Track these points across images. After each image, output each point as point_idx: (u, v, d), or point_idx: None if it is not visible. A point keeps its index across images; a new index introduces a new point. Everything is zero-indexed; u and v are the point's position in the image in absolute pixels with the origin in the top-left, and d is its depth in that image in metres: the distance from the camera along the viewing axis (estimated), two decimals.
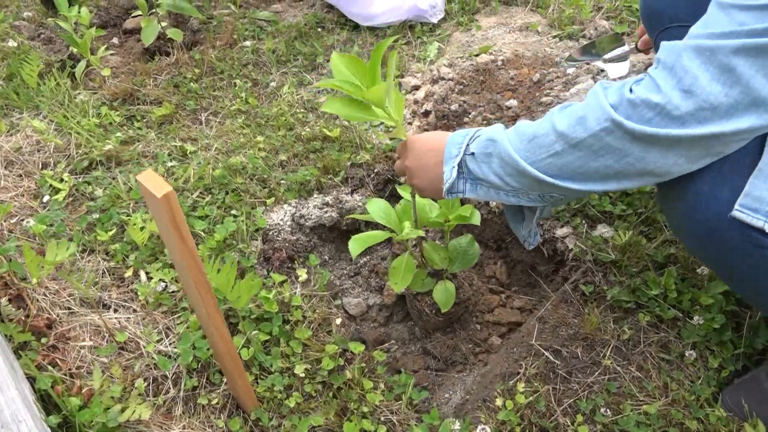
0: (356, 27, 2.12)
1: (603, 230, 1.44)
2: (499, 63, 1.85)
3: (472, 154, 1.02)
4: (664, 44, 0.86)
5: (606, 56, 1.69)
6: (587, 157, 0.90)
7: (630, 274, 1.35)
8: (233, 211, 1.56)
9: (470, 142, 1.04)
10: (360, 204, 1.58)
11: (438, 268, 1.40)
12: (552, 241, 1.48)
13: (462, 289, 1.42)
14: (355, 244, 1.28)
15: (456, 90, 1.80)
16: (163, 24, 2.14)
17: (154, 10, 2.13)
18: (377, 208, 1.34)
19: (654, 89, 0.84)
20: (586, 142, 0.89)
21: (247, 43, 2.10)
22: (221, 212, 1.57)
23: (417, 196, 1.37)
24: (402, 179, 1.21)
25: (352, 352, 1.29)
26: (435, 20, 2.07)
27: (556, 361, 1.25)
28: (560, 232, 1.47)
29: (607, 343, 1.25)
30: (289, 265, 1.47)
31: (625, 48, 1.65)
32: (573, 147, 0.91)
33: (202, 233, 1.50)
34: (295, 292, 1.38)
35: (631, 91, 0.86)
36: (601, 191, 0.96)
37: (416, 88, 1.84)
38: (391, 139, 1.71)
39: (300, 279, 1.42)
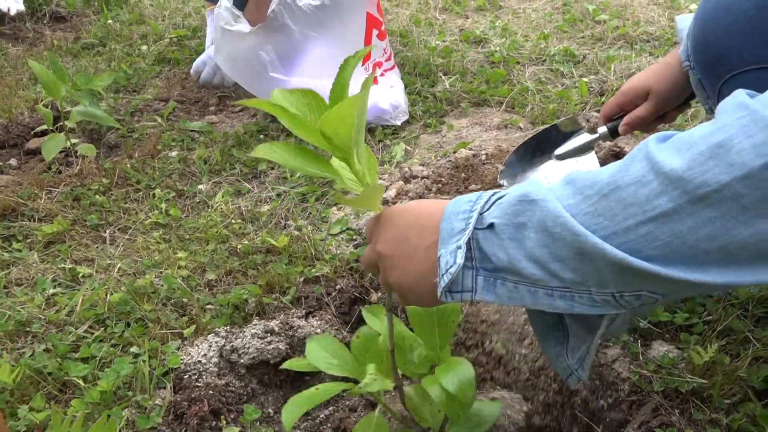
0: None
1: (662, 348, 1.02)
2: (483, 158, 1.52)
3: (491, 226, 0.62)
4: None
5: (558, 152, 1.35)
6: (730, 218, 0.50)
7: (722, 408, 0.92)
8: (133, 348, 1.07)
9: (486, 207, 0.63)
10: (319, 331, 1.13)
11: (426, 426, 0.93)
12: (595, 367, 1.05)
13: None
14: (290, 411, 0.81)
15: (434, 189, 1.44)
16: (74, 141, 1.76)
17: (61, 123, 1.77)
18: (324, 353, 0.88)
19: None
20: (730, 192, 0.49)
21: (173, 153, 1.73)
22: (116, 351, 1.08)
23: (395, 319, 0.93)
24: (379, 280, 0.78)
25: None
26: (398, 122, 1.77)
27: None
28: (604, 355, 1.05)
29: None
30: (213, 422, 0.97)
31: (585, 136, 1.30)
32: (700, 201, 0.51)
33: (82, 382, 1.00)
34: None
35: None
36: (748, 284, 0.54)
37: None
38: (356, 212, 1.30)
39: None
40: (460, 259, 0.61)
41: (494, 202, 0.63)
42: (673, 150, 0.52)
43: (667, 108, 1.13)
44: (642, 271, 0.53)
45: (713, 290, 0.56)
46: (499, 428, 0.99)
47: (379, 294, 1.22)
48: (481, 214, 0.62)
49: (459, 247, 0.61)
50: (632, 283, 0.55)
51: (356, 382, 0.87)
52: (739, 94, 0.51)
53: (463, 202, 0.65)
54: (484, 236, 0.61)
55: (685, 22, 1.03)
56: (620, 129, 1.16)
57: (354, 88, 1.88)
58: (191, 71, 2.12)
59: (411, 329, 0.89)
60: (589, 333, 0.66)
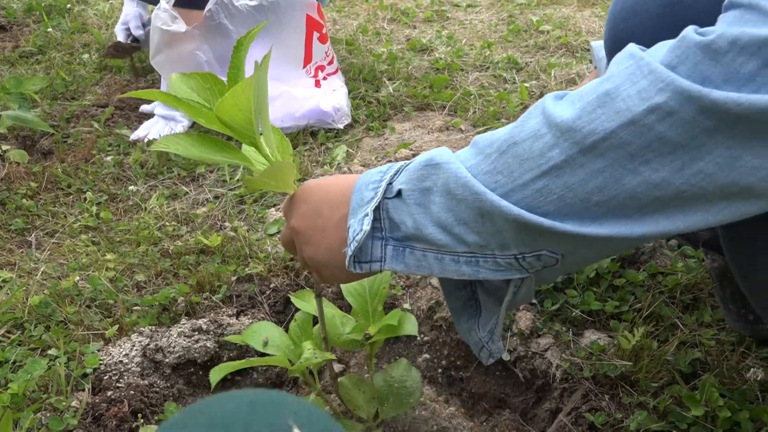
0: None
1: (594, 336, 1.03)
2: None
3: (398, 194, 0.61)
4: None
5: None
6: (618, 167, 0.50)
7: (651, 391, 0.92)
8: (51, 351, 1.02)
9: (395, 176, 0.62)
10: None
11: (363, 415, 0.91)
12: (526, 358, 1.04)
13: None
14: (217, 371, 0.79)
15: None
16: (5, 147, 1.70)
17: None
18: (257, 335, 0.87)
19: (759, 19, 0.46)
20: (617, 139, 0.49)
21: (108, 158, 1.68)
22: (33, 354, 1.02)
23: (324, 300, 0.92)
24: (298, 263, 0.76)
25: None
26: (340, 125, 1.76)
27: None
28: (536, 344, 1.04)
29: None
30: (134, 424, 0.93)
31: None
32: (589, 151, 0.50)
33: None
34: None
35: (701, 34, 0.48)
36: (639, 238, 0.52)
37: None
38: (300, 180, 1.28)
39: None
40: (367, 226, 0.59)
41: (402, 170, 0.62)
42: (567, 103, 0.52)
43: None
44: (538, 227, 0.52)
45: (609, 247, 0.55)
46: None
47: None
48: (390, 183, 0.61)
49: (366, 215, 0.60)
50: (532, 242, 0.54)
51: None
52: (630, 47, 0.51)
53: (374, 173, 0.64)
54: (393, 204, 0.60)
55: (600, 48, 1.05)
56: None
57: (294, 92, 1.87)
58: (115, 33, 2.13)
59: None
60: (498, 305, 0.65)
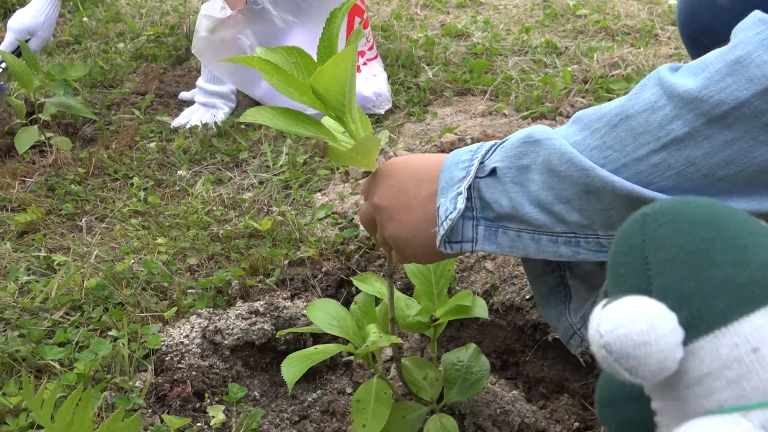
0: None
1: None
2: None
3: (493, 171, 0.59)
4: None
5: None
6: (749, 138, 0.47)
7: None
8: (111, 332, 1.03)
9: (488, 155, 0.61)
10: (305, 312, 1.09)
11: (426, 397, 0.91)
12: (587, 342, 1.03)
13: (468, 427, 0.91)
14: (291, 368, 0.79)
15: None
16: (49, 134, 1.71)
17: (35, 116, 1.71)
18: (324, 313, 0.87)
19: None
20: (750, 108, 0.46)
21: (152, 144, 1.69)
22: (94, 335, 1.03)
23: (389, 288, 0.91)
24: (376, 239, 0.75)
25: None
26: (381, 111, 1.75)
27: None
28: None
29: None
30: (197, 404, 0.93)
31: None
32: (717, 122, 0.48)
33: (57, 365, 0.95)
34: None
35: None
36: (766, 215, 0.49)
37: (367, 174, 1.45)
38: (351, 178, 1.27)
39: (214, 423, 0.88)
40: (461, 204, 0.58)
41: (496, 148, 0.60)
42: (687, 73, 0.50)
43: None
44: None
45: None
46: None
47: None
48: (482, 162, 0.60)
49: (459, 193, 0.59)
50: None
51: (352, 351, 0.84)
52: (756, 13, 0.49)
53: (464, 152, 0.63)
54: (486, 184, 0.59)
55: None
56: None
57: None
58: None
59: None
60: (591, 291, 0.63)
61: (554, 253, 0.57)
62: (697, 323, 0.36)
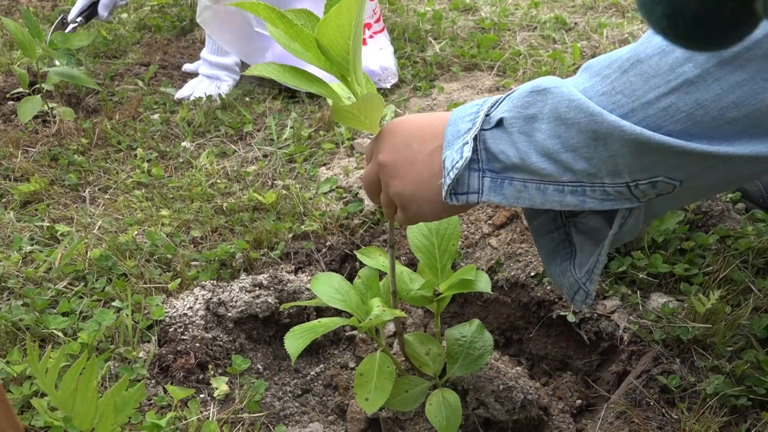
0: (293, 95, 1.75)
1: (662, 300, 1.00)
2: None
3: (499, 123, 0.59)
4: None
5: None
6: (759, 79, 0.46)
7: (725, 356, 0.90)
8: (115, 303, 1.03)
9: (492, 108, 0.61)
10: (309, 286, 1.09)
11: (429, 372, 0.91)
12: (591, 320, 1.02)
13: (471, 402, 0.91)
14: (295, 340, 0.79)
15: None
16: (52, 105, 1.70)
17: (38, 86, 1.70)
18: (327, 287, 0.87)
19: None
20: (762, 49, 0.45)
21: (155, 115, 1.67)
22: (97, 305, 1.03)
23: (396, 260, 0.91)
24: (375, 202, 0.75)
25: None
26: (387, 85, 1.73)
27: None
28: (602, 306, 1.02)
29: None
30: (201, 375, 0.93)
31: None
32: (728, 63, 0.47)
33: (61, 334, 0.95)
34: (209, 417, 0.84)
35: None
36: None
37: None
38: (356, 152, 1.26)
39: (217, 394, 0.88)
40: (468, 153, 0.58)
41: (503, 100, 0.60)
42: None
43: None
44: (662, 147, 0.49)
45: (735, 171, 0.51)
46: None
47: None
48: (487, 114, 0.60)
49: (466, 143, 0.59)
50: (650, 166, 0.51)
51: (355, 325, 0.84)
52: None
53: (469, 106, 0.63)
54: (492, 135, 0.59)
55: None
56: None
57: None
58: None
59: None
60: (596, 245, 0.63)
61: (560, 203, 0.57)
62: None
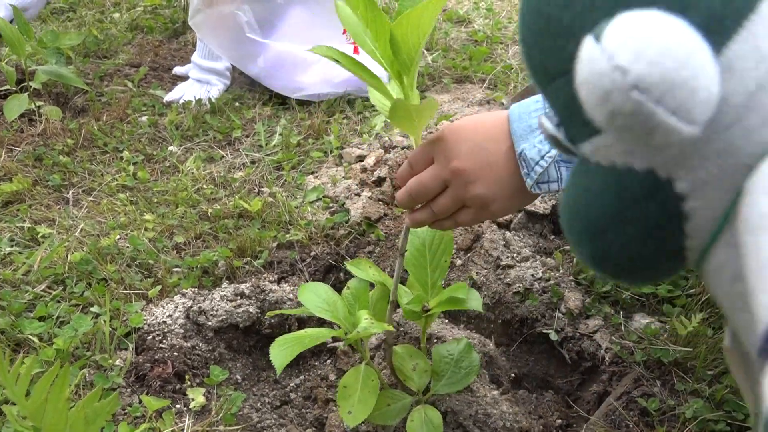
0: (283, 102, 1.74)
1: (644, 320, 1.00)
2: None
3: None
4: None
5: None
6: None
7: (706, 379, 0.89)
8: (94, 308, 1.01)
9: None
10: (292, 297, 1.08)
11: (413, 387, 0.90)
12: (574, 339, 1.02)
13: (450, 423, 0.91)
14: (281, 351, 0.78)
15: None
16: (39, 103, 1.68)
17: (26, 84, 1.68)
18: (315, 296, 0.86)
19: None
20: None
21: (143, 118, 1.66)
22: (75, 310, 1.02)
23: (378, 270, 0.90)
24: (410, 213, 0.75)
25: None
26: None
27: None
28: (585, 326, 1.02)
29: None
30: (177, 385, 0.92)
31: None
32: None
33: (36, 339, 0.94)
34: (183, 429, 0.83)
35: None
36: None
37: (361, 159, 1.44)
38: (345, 161, 1.25)
39: (193, 405, 0.87)
40: (547, 146, 0.63)
41: None
42: None
43: None
44: None
45: None
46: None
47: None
48: None
49: (549, 129, 0.62)
50: None
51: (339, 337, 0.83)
52: None
53: (529, 102, 0.66)
54: None
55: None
56: None
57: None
58: None
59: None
60: None
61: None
62: (717, 23, 0.27)
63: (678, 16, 0.26)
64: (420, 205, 0.73)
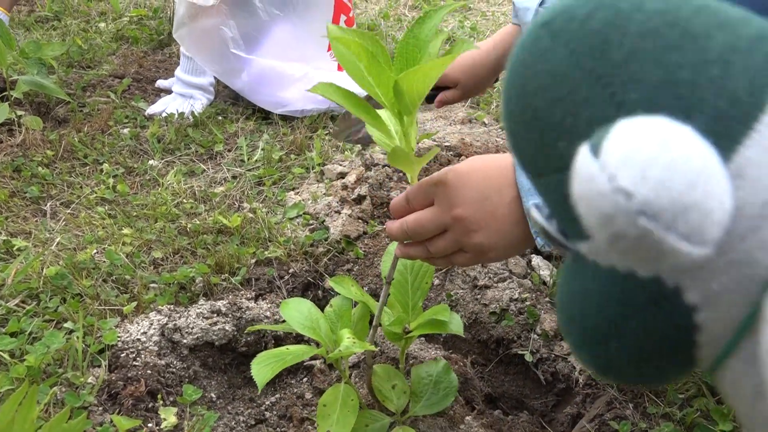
0: (266, 117, 1.74)
1: None
2: (444, 149, 1.50)
3: None
4: None
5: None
6: None
7: (677, 403, 0.90)
8: (67, 324, 1.00)
9: None
10: (269, 315, 1.08)
11: (391, 408, 0.90)
12: (549, 361, 1.03)
13: None
14: (263, 368, 0.78)
15: (395, 177, 1.41)
16: (19, 113, 1.67)
17: (6, 93, 1.67)
18: (297, 313, 0.86)
19: None
20: None
21: (125, 130, 1.65)
22: (48, 326, 1.01)
23: (358, 289, 0.90)
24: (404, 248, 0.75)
25: None
26: None
27: None
28: (560, 347, 1.03)
29: None
30: (150, 404, 0.91)
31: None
32: None
33: (7, 356, 0.93)
34: None
35: None
36: None
37: (342, 175, 1.44)
38: (326, 178, 1.25)
39: (165, 426, 0.86)
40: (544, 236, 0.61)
41: None
42: None
43: (474, 95, 1.24)
44: None
45: None
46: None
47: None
48: None
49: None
50: None
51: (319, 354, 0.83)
52: None
53: None
54: None
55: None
56: (435, 103, 1.19)
57: (317, 75, 1.83)
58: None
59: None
60: None
61: None
62: (725, 126, 0.24)
63: (682, 120, 0.24)
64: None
